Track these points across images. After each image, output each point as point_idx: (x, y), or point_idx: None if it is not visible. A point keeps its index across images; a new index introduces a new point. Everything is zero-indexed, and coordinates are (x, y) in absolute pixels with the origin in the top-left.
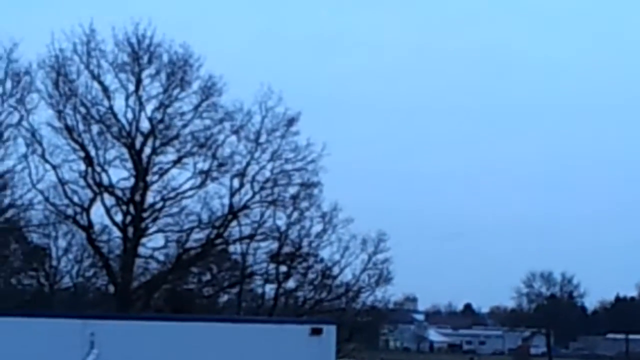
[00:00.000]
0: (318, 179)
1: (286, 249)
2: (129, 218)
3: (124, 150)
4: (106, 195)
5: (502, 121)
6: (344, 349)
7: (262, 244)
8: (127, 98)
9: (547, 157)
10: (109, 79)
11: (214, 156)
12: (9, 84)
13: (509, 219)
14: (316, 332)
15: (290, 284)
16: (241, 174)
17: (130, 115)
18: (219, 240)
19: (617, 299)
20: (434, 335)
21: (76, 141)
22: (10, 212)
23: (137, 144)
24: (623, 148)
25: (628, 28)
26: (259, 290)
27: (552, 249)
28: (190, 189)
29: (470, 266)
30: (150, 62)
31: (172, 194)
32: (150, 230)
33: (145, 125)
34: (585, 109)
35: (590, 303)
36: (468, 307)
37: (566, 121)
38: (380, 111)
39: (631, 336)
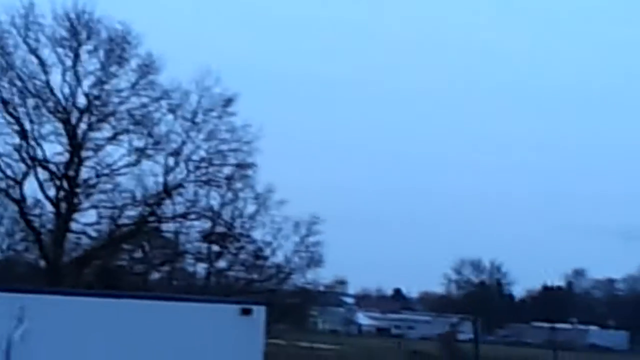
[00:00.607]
0: (253, 160)
1: (219, 229)
2: (62, 193)
3: (60, 125)
4: (40, 170)
5: (435, 105)
6: (273, 330)
7: (195, 223)
8: (64, 73)
9: (478, 140)
10: (46, 53)
11: (149, 134)
12: None
13: (439, 205)
14: (246, 312)
15: (222, 263)
16: (176, 153)
17: (66, 91)
18: (152, 218)
19: (545, 288)
20: (362, 318)
21: (11, 114)
22: None
23: (73, 119)
24: (553, 133)
25: None
26: (191, 269)
27: (482, 236)
28: (125, 166)
29: (401, 251)
30: (89, 37)
31: (106, 171)
32: (83, 206)
33: (81, 100)
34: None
35: (518, 291)
36: (398, 292)
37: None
38: (319, 92)
39: (557, 325)
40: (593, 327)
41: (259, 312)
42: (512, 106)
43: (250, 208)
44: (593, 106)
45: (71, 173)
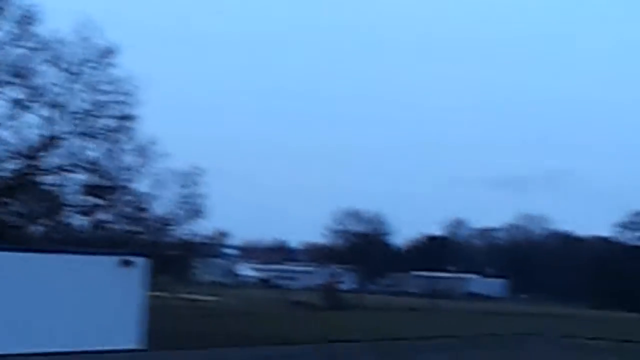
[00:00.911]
0: (135, 112)
1: (100, 182)
2: None
3: None
4: None
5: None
6: (156, 282)
7: (76, 176)
8: None
9: (354, 94)
10: None
11: (28, 86)
12: None
13: (322, 156)
14: (126, 263)
15: (103, 216)
16: (56, 105)
17: None
18: (31, 171)
19: (425, 237)
20: (245, 270)
21: None
22: None
23: None
24: (428, 84)
25: None
26: (71, 223)
27: (364, 187)
28: (3, 118)
29: (284, 203)
30: None
31: None
32: None
33: None
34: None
35: (400, 241)
36: (280, 243)
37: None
38: (202, 46)
39: (437, 274)
40: (473, 276)
41: (140, 264)
42: (377, 54)
43: (132, 160)
44: (467, 59)
45: None
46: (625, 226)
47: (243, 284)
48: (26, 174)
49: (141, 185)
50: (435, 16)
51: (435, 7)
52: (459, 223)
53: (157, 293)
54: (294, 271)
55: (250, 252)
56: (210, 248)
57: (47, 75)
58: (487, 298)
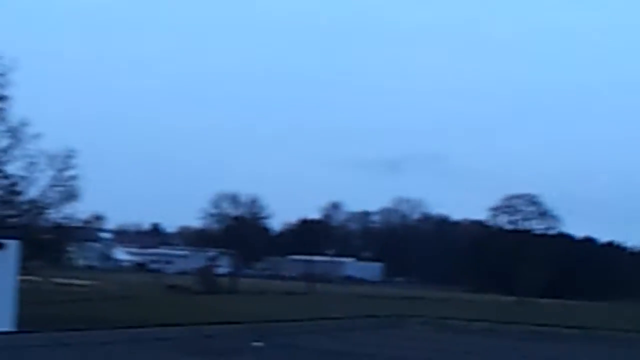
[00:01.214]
0: (5, 93)
1: None
2: None
3: None
4: None
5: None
6: (28, 267)
7: None
8: None
9: (223, 77)
10: None
11: None
12: None
13: (197, 140)
14: None
15: None
16: None
17: None
18: None
19: (302, 221)
20: (120, 254)
21: None
22: None
23: None
24: (302, 67)
25: None
26: None
27: (240, 170)
28: None
29: (159, 186)
30: None
31: None
32: None
33: None
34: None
35: (276, 225)
36: (156, 227)
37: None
38: (75, 25)
39: (314, 257)
40: (349, 259)
41: (11, 247)
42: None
43: (4, 142)
44: (348, 47)
45: None
46: (499, 210)
47: (119, 268)
48: None
49: (14, 167)
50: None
51: None
52: (335, 206)
53: (30, 277)
54: (170, 255)
55: (125, 236)
56: (86, 232)
57: None
58: (363, 281)
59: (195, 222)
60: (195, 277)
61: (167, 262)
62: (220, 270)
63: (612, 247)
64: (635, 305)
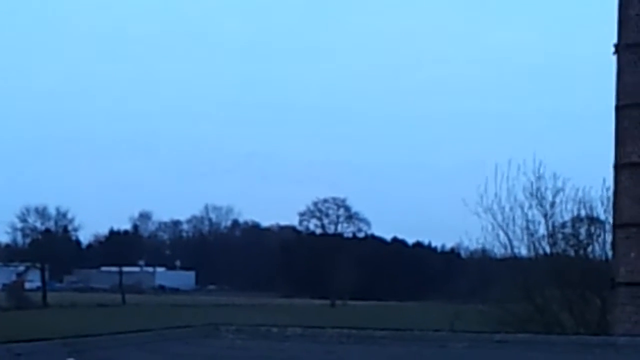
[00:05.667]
0: None
1: None
2: None
3: None
4: None
5: None
6: None
7: None
8: None
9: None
10: None
11: None
12: None
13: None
14: None
15: None
16: None
17: None
18: None
19: (111, 232)
20: None
21: None
22: None
23: None
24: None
25: None
26: None
27: (47, 183)
28: None
29: None
30: None
31: None
32: None
33: None
34: None
35: (85, 237)
36: None
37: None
38: None
39: (125, 268)
40: (160, 269)
41: None
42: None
43: None
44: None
45: None
46: (308, 214)
47: None
48: None
49: None
50: None
51: None
52: (144, 216)
53: None
54: None
55: None
56: None
57: None
58: (176, 291)
59: (2, 236)
60: (4, 293)
61: None
62: (30, 285)
63: (422, 248)
64: (444, 305)
